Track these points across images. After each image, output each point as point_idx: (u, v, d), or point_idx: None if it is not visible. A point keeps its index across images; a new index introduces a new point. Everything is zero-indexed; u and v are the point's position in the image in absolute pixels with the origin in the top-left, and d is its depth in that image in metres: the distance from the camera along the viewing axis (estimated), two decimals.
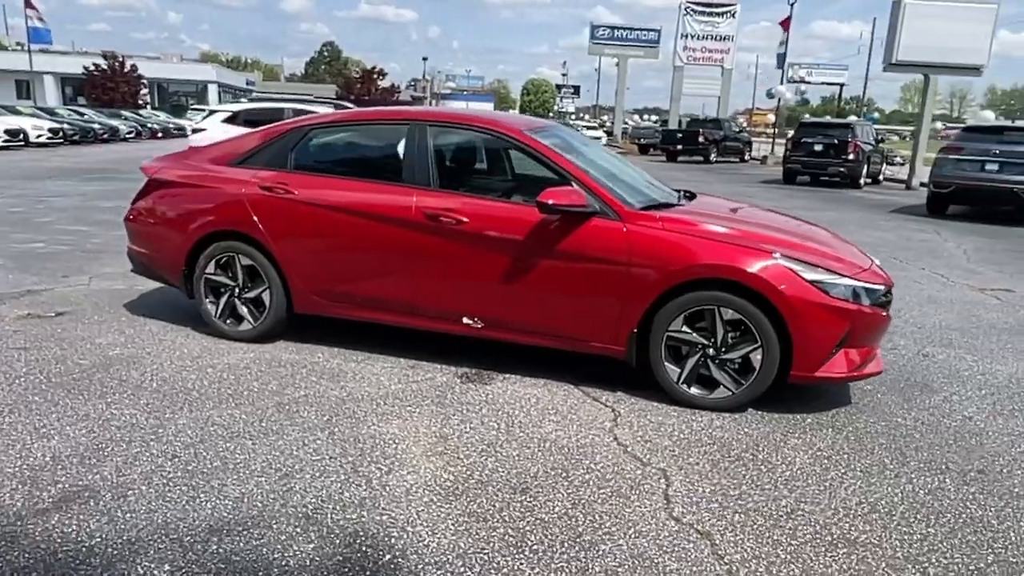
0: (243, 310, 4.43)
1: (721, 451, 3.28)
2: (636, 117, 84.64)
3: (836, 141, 17.84)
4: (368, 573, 2.31)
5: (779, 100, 31.99)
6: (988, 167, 11.88)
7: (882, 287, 3.71)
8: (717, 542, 2.57)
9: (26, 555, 2.32)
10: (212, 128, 11.22)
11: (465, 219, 3.87)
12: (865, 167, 18.28)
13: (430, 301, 4.06)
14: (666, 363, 3.73)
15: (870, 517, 2.78)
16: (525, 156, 4.05)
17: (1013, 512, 2.85)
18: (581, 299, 3.79)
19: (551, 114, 77.63)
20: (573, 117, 73.38)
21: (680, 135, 28.16)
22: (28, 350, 4.20)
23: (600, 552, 2.48)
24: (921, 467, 3.21)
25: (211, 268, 4.42)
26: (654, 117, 76.61)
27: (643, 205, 3.88)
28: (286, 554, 2.38)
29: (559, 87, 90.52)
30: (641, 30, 44.91)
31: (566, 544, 2.51)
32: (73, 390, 3.65)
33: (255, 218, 4.23)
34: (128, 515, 2.56)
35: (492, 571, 2.35)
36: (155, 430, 3.24)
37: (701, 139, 27.12)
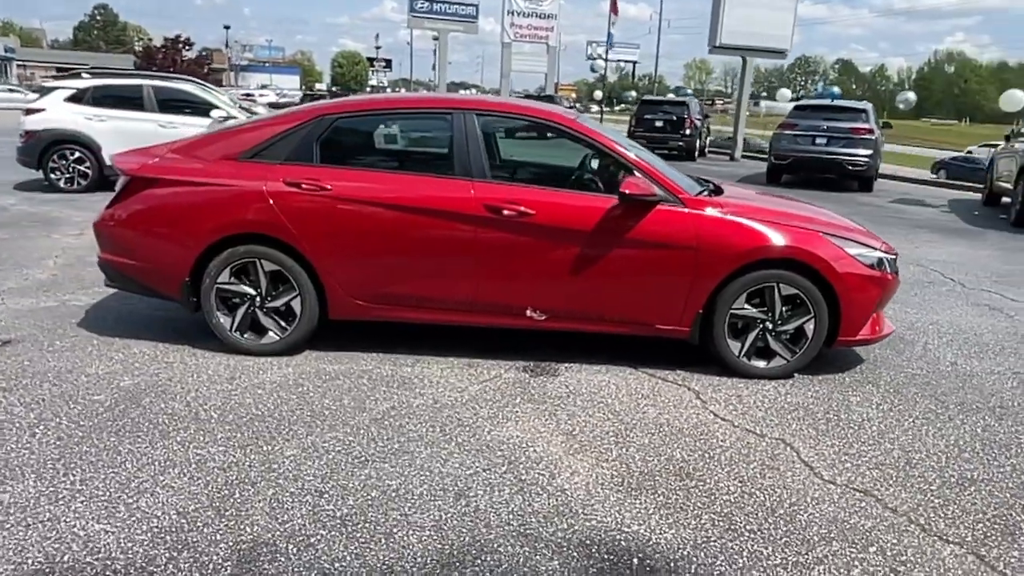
0: (267, 321, 3.99)
1: (810, 416, 3.60)
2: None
3: (675, 117, 19.37)
4: None
5: (604, 76, 33.84)
6: (818, 141, 13.65)
7: (895, 255, 4.24)
8: (880, 496, 2.87)
9: None
10: (52, 108, 9.54)
11: (530, 211, 3.80)
12: (698, 140, 20.07)
13: (492, 296, 3.95)
14: (728, 339, 3.98)
15: (964, 456, 3.24)
16: (581, 146, 4.04)
17: None
18: (651, 285, 3.90)
19: (368, 88, 75.27)
20: (389, 91, 71.83)
21: None
22: (10, 391, 3.46)
23: (802, 523, 2.66)
24: (960, 409, 3.77)
25: (224, 277, 3.92)
26: (472, 91, 77.21)
27: (696, 192, 4.07)
28: (540, 574, 2.29)
29: (370, 60, 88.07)
30: (460, 4, 44.81)
31: (770, 520, 2.67)
32: (120, 432, 3.10)
33: (283, 218, 3.81)
34: (337, 563, 2.30)
35: (737, 557, 2.44)
36: (268, 466, 2.87)
37: None
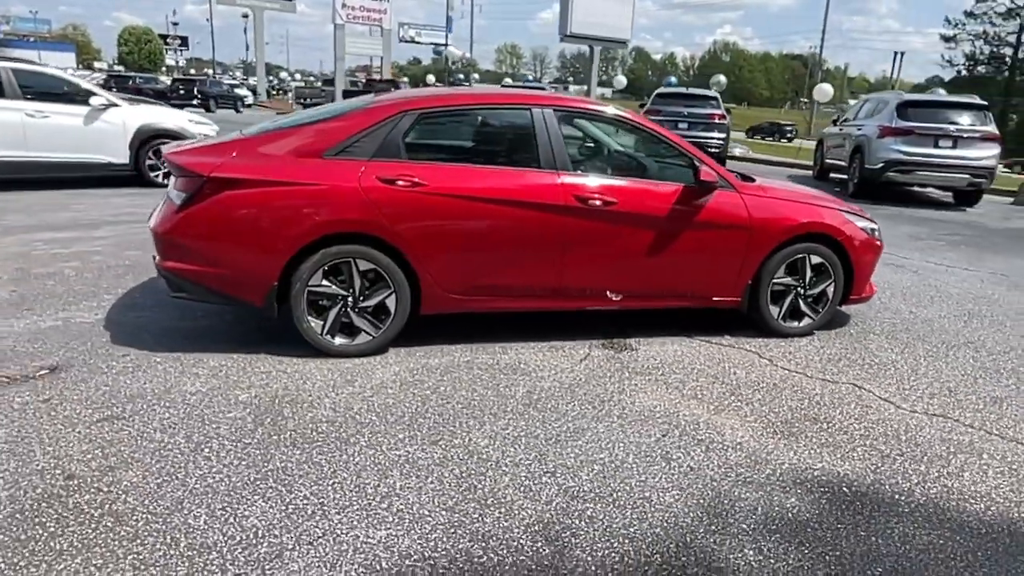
0: (360, 321, 3.92)
1: (856, 364, 4.31)
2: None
3: None
4: (875, 510, 2.77)
5: (449, 61, 33.96)
6: (680, 126, 15.05)
7: (878, 225, 5.09)
8: (953, 417, 3.60)
9: None
10: None
11: (614, 199, 4.11)
12: None
13: (577, 280, 4.20)
14: (770, 306, 4.59)
15: (979, 382, 4.11)
16: (644, 139, 4.41)
17: None
18: (713, 261, 4.39)
19: (164, 68, 68.50)
20: (192, 72, 65.76)
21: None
22: (122, 419, 3.15)
23: (926, 444, 3.30)
24: (946, 347, 4.70)
25: (316, 279, 3.80)
26: (296, 75, 73.12)
27: (741, 180, 4.60)
28: (787, 509, 2.68)
29: (163, 37, 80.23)
30: None
31: (902, 445, 3.27)
32: (296, 443, 2.99)
33: (381, 216, 3.78)
34: (631, 528, 2.52)
35: (910, 475, 3.00)
36: (476, 457, 2.96)
37: None
